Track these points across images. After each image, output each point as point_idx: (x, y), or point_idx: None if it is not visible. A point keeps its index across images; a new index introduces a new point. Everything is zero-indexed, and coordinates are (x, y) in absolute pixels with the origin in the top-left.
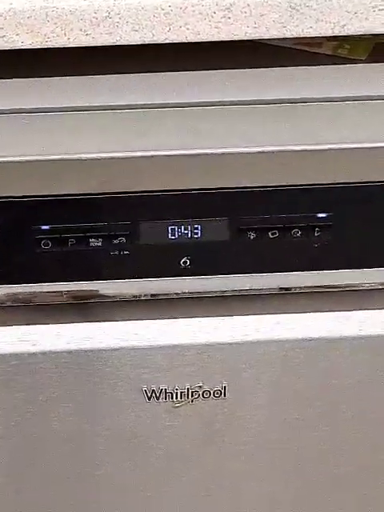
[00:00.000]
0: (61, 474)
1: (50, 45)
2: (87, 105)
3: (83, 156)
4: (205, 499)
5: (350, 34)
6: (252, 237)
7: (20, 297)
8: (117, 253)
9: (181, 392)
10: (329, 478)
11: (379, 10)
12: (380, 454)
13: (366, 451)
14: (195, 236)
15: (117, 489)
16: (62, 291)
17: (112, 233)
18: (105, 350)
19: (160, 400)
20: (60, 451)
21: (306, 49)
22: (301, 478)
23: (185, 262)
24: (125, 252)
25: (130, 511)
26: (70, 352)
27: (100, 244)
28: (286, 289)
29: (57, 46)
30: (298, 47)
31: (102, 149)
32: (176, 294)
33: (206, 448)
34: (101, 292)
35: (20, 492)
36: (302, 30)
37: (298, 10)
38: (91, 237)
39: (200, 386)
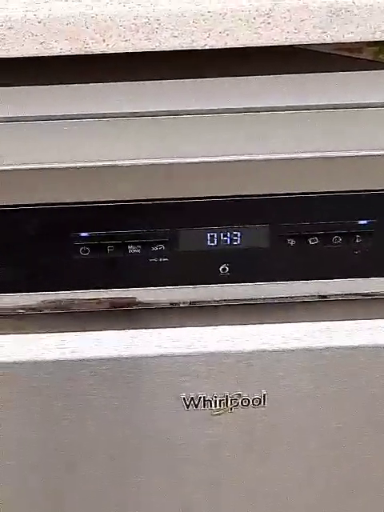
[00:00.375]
0: (99, 481)
1: (88, 51)
2: (126, 111)
3: (122, 162)
4: (244, 508)
5: None
6: (292, 244)
7: (59, 304)
8: (156, 260)
9: (220, 400)
10: (370, 487)
11: None
12: None
13: None
14: (235, 243)
15: (155, 496)
16: (100, 298)
17: (151, 240)
18: (143, 358)
19: (199, 408)
20: (98, 458)
21: (347, 54)
22: (341, 486)
23: (224, 269)
24: (164, 259)
25: None
26: (108, 359)
27: (139, 251)
28: (326, 296)
29: (96, 52)
30: (339, 52)
31: (140, 155)
32: (215, 301)
33: (245, 456)
34: (139, 299)
35: (58, 499)
36: (343, 35)
37: (338, 15)
38: (130, 244)
39: (239, 394)
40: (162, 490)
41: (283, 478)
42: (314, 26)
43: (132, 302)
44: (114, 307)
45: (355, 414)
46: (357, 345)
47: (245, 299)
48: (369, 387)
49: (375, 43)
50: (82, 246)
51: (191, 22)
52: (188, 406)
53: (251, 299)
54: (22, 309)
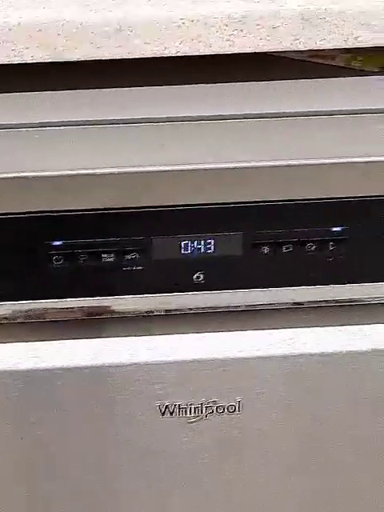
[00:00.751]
0: (76, 489)
1: (60, 58)
2: (100, 119)
3: (95, 171)
4: None
5: (364, 46)
6: (265, 251)
7: (32, 313)
8: (129, 268)
9: (195, 407)
10: (345, 493)
11: None
12: None
13: (381, 464)
14: (208, 251)
15: (132, 504)
16: (74, 307)
17: (124, 248)
18: (118, 366)
19: (174, 415)
20: (75, 467)
21: (320, 61)
22: (317, 493)
23: (198, 277)
24: (138, 267)
25: None
26: (83, 368)
27: (112, 259)
28: (300, 303)
29: (67, 59)
30: (312, 59)
31: (114, 164)
32: (189, 309)
33: (220, 463)
34: (113, 308)
35: (36, 507)
36: (315, 43)
37: (310, 22)
38: (104, 252)
39: (214, 402)
40: (140, 498)
41: (259, 484)
42: (286, 34)
43: (106, 310)
44: (88, 316)
45: (330, 421)
46: (331, 351)
47: (219, 307)
48: (343, 393)
49: (348, 50)
50: (55, 254)
51: (163, 28)
52: (163, 414)
53: (226, 307)
54: None
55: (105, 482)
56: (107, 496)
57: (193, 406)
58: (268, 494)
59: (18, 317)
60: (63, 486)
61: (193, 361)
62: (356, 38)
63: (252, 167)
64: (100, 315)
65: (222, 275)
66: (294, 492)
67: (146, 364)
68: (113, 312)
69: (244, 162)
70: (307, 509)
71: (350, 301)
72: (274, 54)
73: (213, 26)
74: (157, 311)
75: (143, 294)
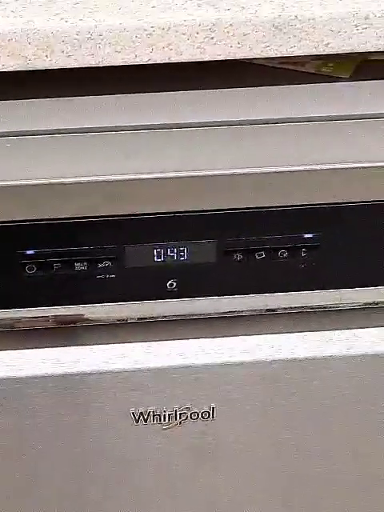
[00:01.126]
0: (50, 497)
1: (31, 67)
2: (71, 127)
3: (68, 180)
4: None
5: (334, 52)
6: (238, 258)
7: (6, 322)
8: (103, 276)
9: (169, 414)
10: (319, 497)
11: (362, 28)
12: (372, 471)
13: (355, 469)
14: (181, 258)
15: (106, 510)
16: (47, 316)
17: (97, 256)
18: (91, 374)
19: (148, 422)
20: (48, 475)
21: (290, 68)
22: (291, 497)
23: (171, 285)
24: (111, 275)
25: None
26: (56, 376)
27: (85, 268)
28: (273, 310)
29: (39, 68)
30: (283, 66)
31: (86, 172)
32: (163, 316)
33: (195, 469)
34: (87, 316)
35: None
36: (286, 50)
37: (281, 30)
38: (76, 261)
39: (188, 408)
40: (114, 504)
41: (233, 490)
42: (257, 41)
43: (79, 318)
44: (62, 324)
45: (305, 426)
46: (305, 357)
47: (192, 314)
48: (318, 398)
49: (318, 57)
50: (28, 263)
51: (134, 37)
52: (137, 421)
53: (199, 314)
54: None
55: (79, 489)
56: (81, 503)
57: (167, 413)
58: (242, 501)
59: None
60: (37, 495)
61: (167, 368)
62: (326, 44)
63: (224, 175)
64: (73, 323)
65: (195, 283)
66: (268, 498)
67: (120, 371)
68: (86, 320)
69: (215, 169)
70: None
71: (323, 306)
72: (245, 61)
73: (183, 34)
74: (130, 319)
75: (116, 302)
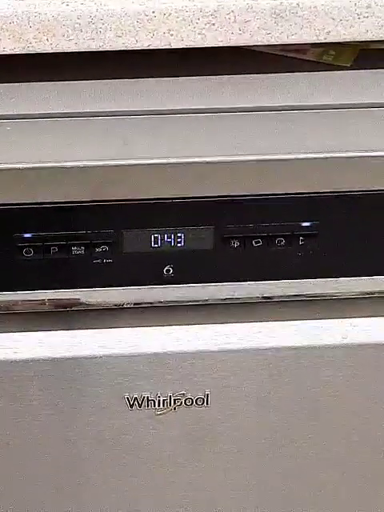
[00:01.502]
0: (44, 482)
1: (32, 50)
2: (71, 111)
3: (66, 164)
4: (188, 507)
5: (335, 40)
6: (236, 245)
7: (1, 305)
8: (99, 261)
9: (163, 400)
10: (313, 485)
11: (364, 16)
12: (364, 461)
13: (350, 458)
14: (178, 244)
15: (101, 496)
16: (44, 299)
17: (95, 241)
18: (87, 358)
19: (142, 408)
20: (42, 459)
21: (291, 55)
22: (284, 486)
23: (168, 271)
24: (108, 260)
25: None
26: (51, 360)
27: (82, 252)
28: (269, 297)
29: (39, 51)
30: (283, 54)
31: (85, 157)
32: (159, 302)
33: (189, 455)
34: (83, 300)
35: (2, 499)
36: (287, 37)
37: (282, 17)
38: (73, 245)
39: (183, 394)
40: (108, 489)
41: (227, 476)
42: (258, 27)
43: (76, 303)
44: (58, 308)
45: (298, 414)
46: (300, 345)
47: (189, 300)
48: (313, 386)
49: (319, 45)
50: (25, 246)
51: (135, 22)
52: (132, 406)
53: (195, 300)
54: None
55: (72, 473)
56: (75, 487)
57: (161, 399)
58: (235, 487)
59: None
60: (30, 478)
61: (162, 353)
62: (327, 32)
63: (223, 161)
64: (70, 307)
65: (191, 269)
66: (261, 485)
67: (115, 356)
68: (82, 304)
69: (215, 155)
70: (275, 501)
71: (320, 295)
72: (246, 47)
73: (184, 20)
74: (126, 304)
75: (113, 286)
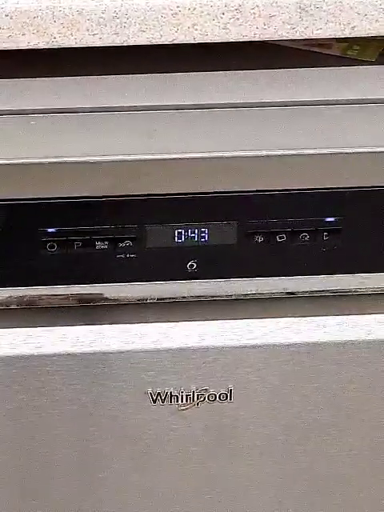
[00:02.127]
0: (66, 476)
1: (56, 45)
2: (95, 106)
3: (91, 159)
4: (210, 502)
5: (360, 35)
6: (259, 240)
7: (26, 299)
8: (123, 256)
9: (186, 395)
10: (335, 481)
11: None
12: None
13: (372, 455)
14: (202, 240)
15: (121, 491)
16: (67, 294)
17: (118, 236)
18: (110, 353)
19: (165, 403)
20: (65, 454)
21: (316, 50)
22: (306, 482)
23: (191, 266)
24: (131, 255)
25: None
26: (75, 355)
27: (106, 247)
28: (293, 293)
29: (63, 46)
30: (308, 48)
31: (109, 151)
32: (182, 297)
33: (211, 451)
34: (107, 295)
35: (24, 494)
36: (312, 32)
37: (307, 11)
38: (97, 240)
39: (206, 390)
40: (129, 484)
41: (249, 472)
42: (283, 22)
43: (99, 297)
44: (81, 303)
45: (321, 410)
46: (323, 341)
47: (212, 295)
48: (334, 383)
49: (344, 39)
50: (50, 241)
51: (160, 16)
52: (155, 401)
53: (218, 295)
54: None
55: (94, 468)
56: (97, 482)
57: (184, 394)
58: (257, 482)
59: (12, 303)
60: (53, 473)
61: (185, 348)
62: (352, 27)
63: (247, 156)
64: (93, 302)
65: (215, 264)
66: (283, 481)
67: (138, 351)
68: (106, 299)
69: (239, 150)
70: (297, 496)
71: (343, 291)
72: (271, 42)
73: (209, 14)
74: (150, 299)
75: (136, 281)
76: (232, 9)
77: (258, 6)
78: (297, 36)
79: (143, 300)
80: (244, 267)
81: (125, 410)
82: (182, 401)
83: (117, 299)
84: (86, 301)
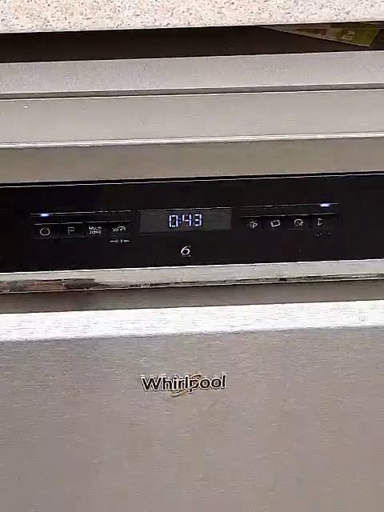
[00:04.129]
0: (58, 462)
1: (49, 29)
2: (87, 91)
3: (83, 143)
4: (202, 488)
5: (355, 20)
6: (253, 226)
7: (18, 285)
8: (116, 241)
9: (179, 381)
10: (327, 468)
11: None
12: (380, 444)
13: (365, 441)
14: (196, 225)
15: (114, 477)
16: (60, 279)
17: (112, 221)
18: (103, 339)
19: (158, 389)
20: (57, 439)
21: (311, 35)
22: (299, 468)
23: (185, 251)
24: (124, 240)
25: (128, 500)
26: (67, 340)
27: (99, 232)
28: (287, 279)
29: (57, 30)
30: (303, 33)
31: (102, 136)
32: (176, 283)
33: (204, 437)
34: (100, 281)
35: (16, 480)
36: (307, 17)
37: None
38: (90, 225)
39: (199, 376)
40: (122, 471)
41: (242, 459)
42: (278, 7)
43: (92, 283)
44: (74, 288)
45: (315, 396)
46: (316, 327)
47: (206, 281)
48: (328, 369)
49: (339, 25)
50: (42, 226)
51: (154, 0)
52: (148, 388)
53: (212, 281)
54: None
55: (87, 454)
56: (89, 468)
57: (177, 380)
58: (250, 469)
59: (4, 288)
60: (45, 459)
61: (178, 334)
62: (347, 12)
63: (241, 141)
64: (86, 288)
65: (209, 250)
66: (276, 467)
67: (131, 337)
68: (99, 285)
69: (233, 135)
70: (289, 483)
71: (337, 277)
72: (265, 27)
73: None
74: (143, 285)
75: (129, 267)
76: None
77: None
78: (291, 21)
79: (136, 286)
80: (238, 253)
81: (118, 396)
82: (175, 387)
83: (110, 285)
84: (79, 286)
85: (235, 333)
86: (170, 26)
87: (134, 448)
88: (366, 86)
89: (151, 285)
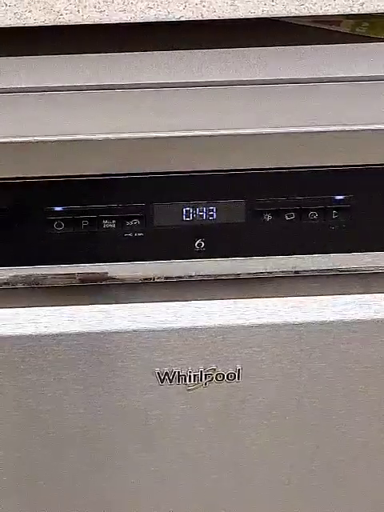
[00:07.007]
0: (73, 456)
1: (63, 22)
2: (103, 84)
3: (98, 136)
4: (217, 482)
5: (369, 12)
6: (268, 219)
7: (32, 279)
8: (130, 235)
9: (194, 375)
10: (343, 461)
11: None
12: None
13: (382, 433)
14: (210, 218)
15: (129, 471)
16: (74, 273)
17: (126, 214)
18: (117, 333)
19: (173, 383)
20: (71, 434)
21: (324, 27)
22: (315, 461)
23: (199, 244)
24: (138, 234)
25: (143, 493)
26: (82, 334)
27: (113, 226)
28: (301, 272)
29: (70, 23)
30: (316, 25)
31: (117, 129)
32: (190, 276)
33: (218, 431)
34: (114, 275)
35: (32, 474)
36: (320, 8)
37: None
38: (105, 218)
39: (213, 369)
40: (137, 464)
41: (256, 452)
42: None
43: (106, 277)
44: (88, 282)
45: (329, 389)
46: (331, 320)
47: (220, 274)
48: (344, 362)
49: (353, 16)
50: (56, 220)
51: None
52: (162, 381)
53: (226, 274)
54: None
55: (102, 448)
56: (104, 462)
57: (192, 374)
58: (266, 462)
59: (18, 282)
60: (60, 452)
61: (193, 328)
62: (361, 4)
63: (255, 134)
64: (100, 282)
65: (223, 243)
66: (291, 461)
67: (146, 331)
68: (113, 279)
69: (247, 128)
70: (306, 476)
71: (352, 269)
72: (279, 19)
73: None
74: (157, 278)
75: (144, 260)
76: None
77: None
78: (305, 12)
79: (150, 279)
80: (252, 246)
81: (132, 390)
82: (189, 381)
83: (124, 278)
84: (93, 280)
85: (250, 326)
86: (183, 19)
87: (149, 442)
88: (381, 78)
89: (165, 278)
